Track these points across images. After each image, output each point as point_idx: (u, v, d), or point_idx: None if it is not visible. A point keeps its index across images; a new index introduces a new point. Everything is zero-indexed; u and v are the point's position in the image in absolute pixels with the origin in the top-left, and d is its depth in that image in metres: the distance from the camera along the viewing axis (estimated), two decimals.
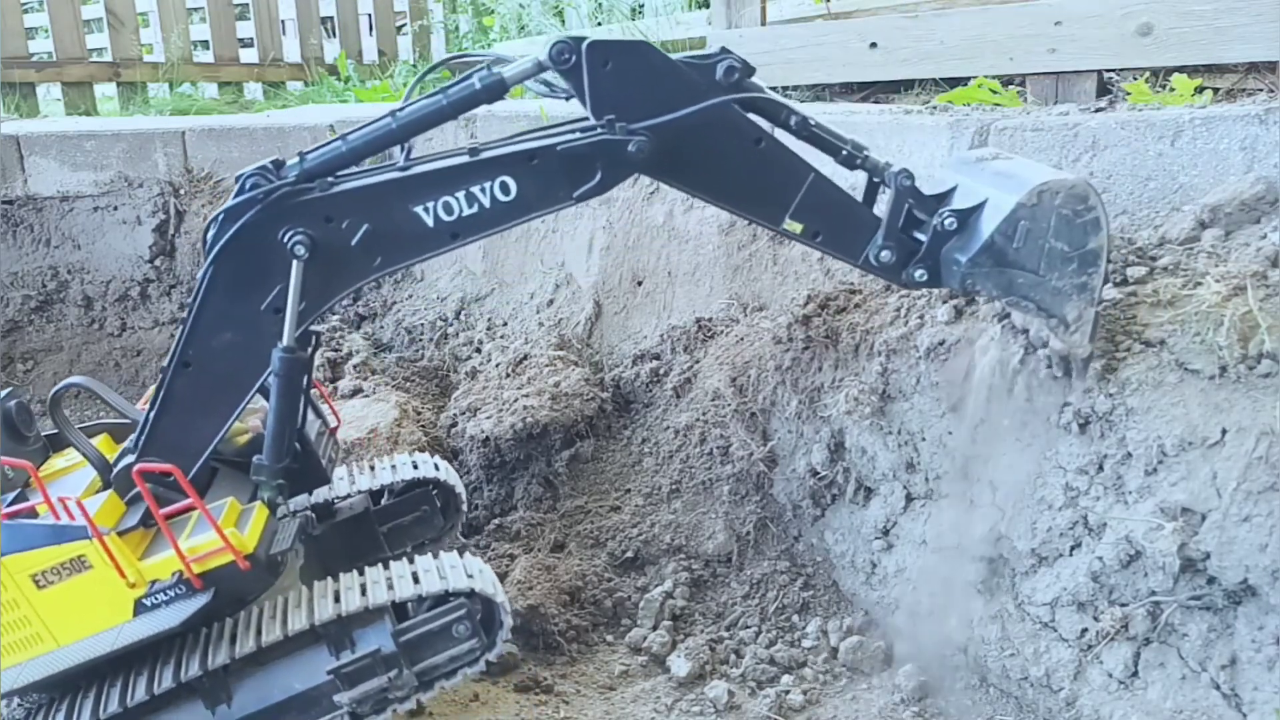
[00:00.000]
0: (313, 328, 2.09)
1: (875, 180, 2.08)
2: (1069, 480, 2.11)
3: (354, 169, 1.94)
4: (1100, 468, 2.05)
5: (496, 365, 3.69)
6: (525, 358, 3.62)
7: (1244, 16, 2.75)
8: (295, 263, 1.82)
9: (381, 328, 4.56)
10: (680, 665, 2.54)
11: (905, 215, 2.04)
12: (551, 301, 4.05)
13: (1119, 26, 3.03)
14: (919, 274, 2.05)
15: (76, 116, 6.03)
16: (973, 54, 3.46)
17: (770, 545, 2.95)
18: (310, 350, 2.08)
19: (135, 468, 1.90)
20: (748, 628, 2.72)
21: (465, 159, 1.87)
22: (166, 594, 1.90)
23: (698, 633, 2.71)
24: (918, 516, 2.54)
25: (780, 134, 2.03)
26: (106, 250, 4.87)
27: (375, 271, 1.92)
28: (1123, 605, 2.04)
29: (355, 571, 2.10)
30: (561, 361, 3.53)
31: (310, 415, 2.27)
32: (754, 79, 1.95)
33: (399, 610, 2.03)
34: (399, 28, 8.39)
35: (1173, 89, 2.80)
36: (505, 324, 4.18)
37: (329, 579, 2.08)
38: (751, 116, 1.98)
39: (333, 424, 2.45)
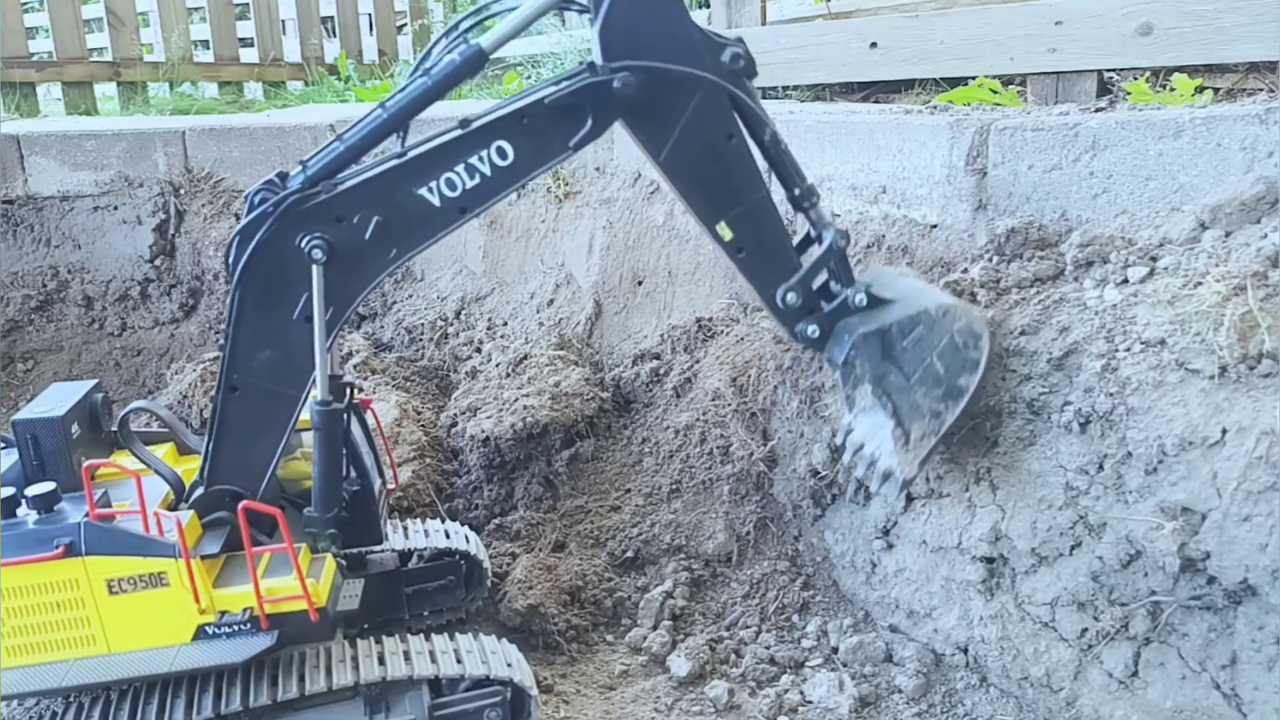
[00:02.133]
0: (346, 379, 2.13)
1: (813, 233, 2.16)
2: (1069, 480, 2.11)
3: (355, 166, 1.94)
4: (1100, 467, 2.05)
5: (497, 365, 3.69)
6: (525, 357, 3.62)
7: (1244, 16, 2.75)
8: (315, 268, 1.84)
9: (382, 327, 4.56)
10: (680, 665, 2.55)
11: (821, 279, 2.13)
12: (552, 301, 4.05)
13: (1119, 26, 3.03)
14: (810, 329, 2.15)
15: (77, 116, 6.03)
16: (973, 54, 3.46)
17: (770, 545, 2.95)
18: (346, 401, 2.09)
19: (242, 504, 1.91)
20: (748, 628, 2.72)
21: (459, 132, 1.87)
22: (231, 627, 1.92)
23: (698, 633, 2.71)
24: (918, 516, 2.54)
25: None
26: (106, 250, 4.87)
27: (393, 262, 1.93)
28: (1123, 605, 2.04)
29: (398, 638, 2.15)
30: (562, 361, 3.53)
31: (374, 472, 2.29)
32: (751, 82, 1.99)
33: (432, 682, 2.09)
34: (399, 27, 8.38)
35: (1173, 89, 2.80)
36: (505, 324, 4.18)
37: (372, 640, 2.13)
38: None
39: (390, 485, 2.46)
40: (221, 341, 1.95)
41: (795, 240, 2.19)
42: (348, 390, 2.11)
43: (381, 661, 2.06)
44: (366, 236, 1.87)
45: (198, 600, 1.89)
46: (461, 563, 2.72)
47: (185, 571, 1.86)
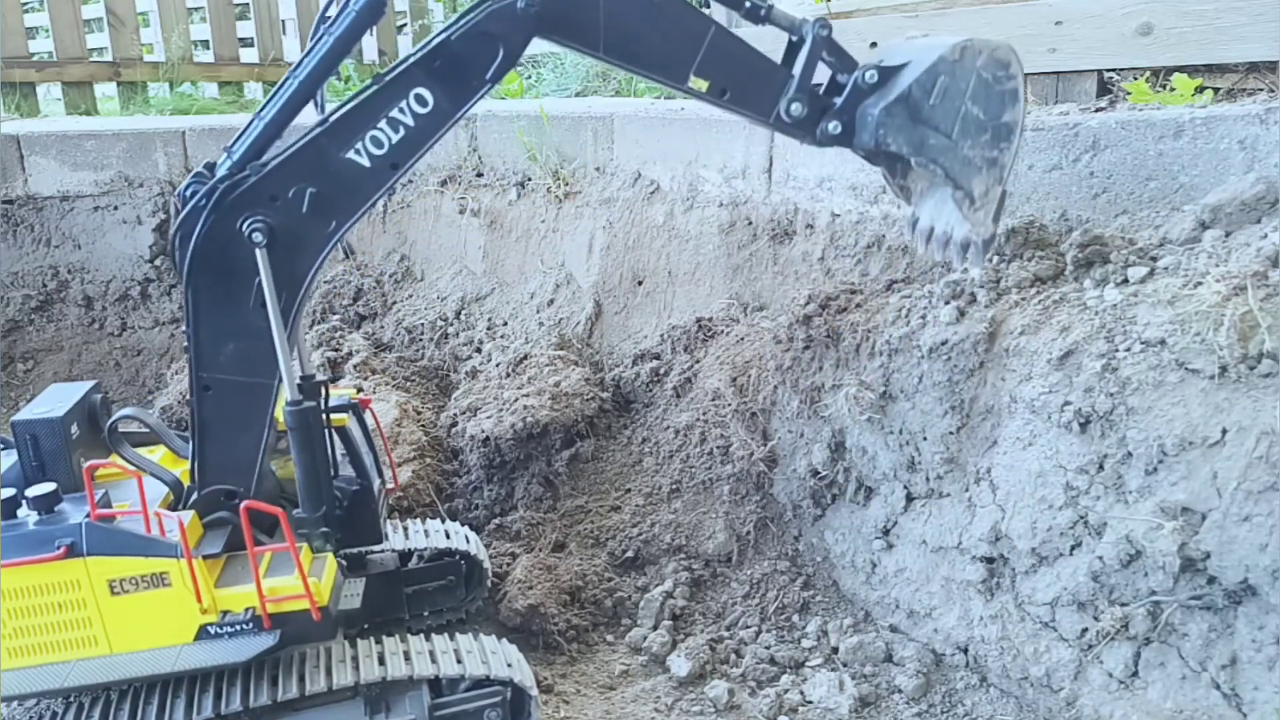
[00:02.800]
0: (320, 377, 2.10)
1: (792, 38, 2.04)
2: (1069, 480, 2.11)
3: (279, 143, 1.91)
4: (1101, 467, 2.05)
5: (497, 365, 3.69)
6: (525, 357, 3.62)
7: (1244, 16, 2.75)
8: (258, 251, 1.81)
9: (382, 327, 4.56)
10: (680, 665, 2.54)
11: (828, 81, 2.02)
12: (552, 301, 4.05)
13: (1119, 26, 3.03)
14: (832, 126, 2.01)
15: (77, 116, 6.03)
16: None
17: (770, 545, 2.95)
18: (323, 398, 2.06)
19: (244, 504, 1.90)
20: (748, 627, 2.72)
21: (374, 88, 1.84)
22: (234, 627, 1.92)
23: (698, 632, 2.71)
24: (918, 516, 2.54)
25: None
26: (107, 250, 4.87)
27: (335, 234, 1.90)
28: (1123, 605, 2.04)
29: (398, 638, 2.15)
30: (562, 361, 3.53)
31: (373, 472, 2.28)
32: None
33: (432, 682, 2.09)
34: (399, 27, 8.38)
35: (1173, 89, 2.80)
36: (505, 324, 4.18)
37: (372, 640, 2.13)
38: None
39: (390, 485, 2.46)
40: (185, 345, 1.92)
41: (780, 59, 2.08)
42: (322, 389, 2.07)
43: (382, 661, 2.06)
44: (304, 210, 1.85)
45: (200, 600, 1.88)
46: (461, 563, 2.72)
47: (187, 571, 1.86)
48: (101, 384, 2.24)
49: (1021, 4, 3.34)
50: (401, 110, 1.84)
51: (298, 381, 1.96)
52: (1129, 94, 2.93)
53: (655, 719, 2.42)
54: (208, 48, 7.30)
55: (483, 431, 3.21)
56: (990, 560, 2.33)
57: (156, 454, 2.22)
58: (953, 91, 1.90)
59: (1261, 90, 2.81)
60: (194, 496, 2.02)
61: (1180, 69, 2.89)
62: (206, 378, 1.92)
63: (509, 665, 2.12)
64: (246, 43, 7.52)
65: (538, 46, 1.99)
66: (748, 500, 2.97)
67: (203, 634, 1.91)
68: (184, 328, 1.92)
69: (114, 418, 2.13)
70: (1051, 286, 2.31)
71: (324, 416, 2.02)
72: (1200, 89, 2.75)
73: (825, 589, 2.83)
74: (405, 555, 2.69)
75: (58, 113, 6.26)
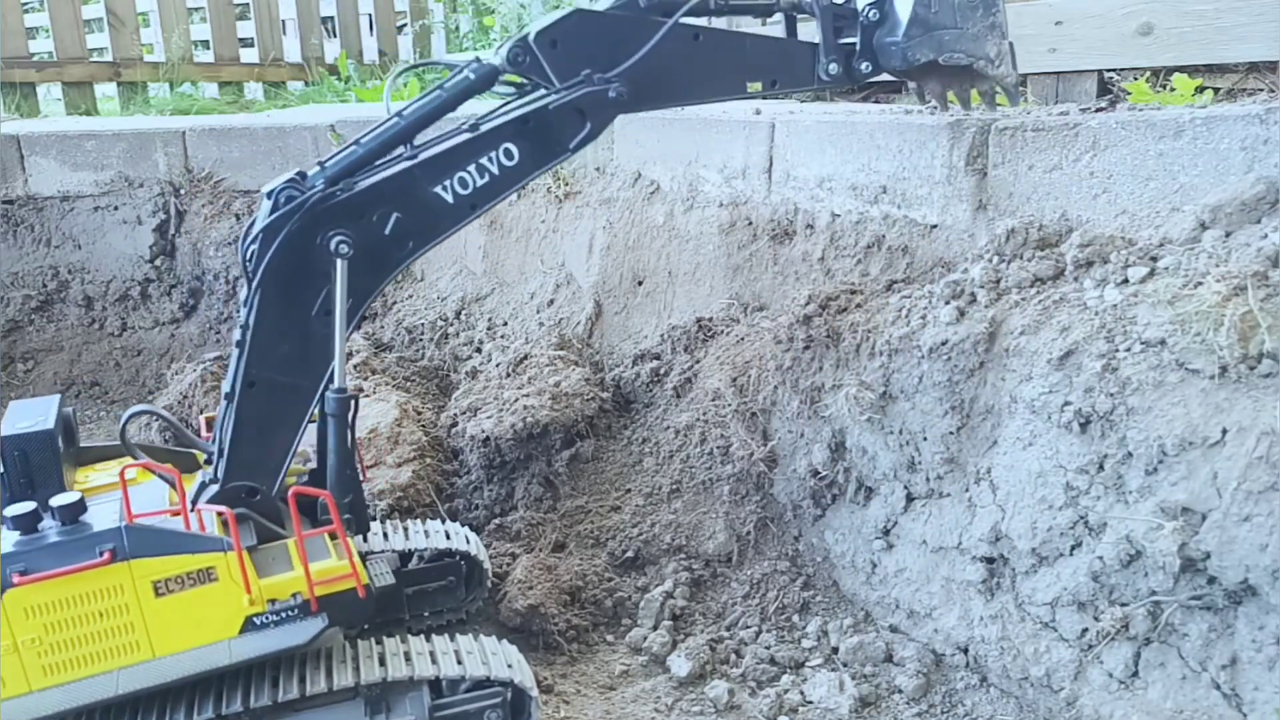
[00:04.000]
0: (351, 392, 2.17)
1: (793, 15, 2.44)
2: (1069, 480, 2.11)
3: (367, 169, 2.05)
4: (1101, 467, 2.05)
5: (497, 365, 3.69)
6: (525, 357, 3.62)
7: (1244, 16, 2.75)
8: (340, 262, 1.92)
9: (382, 328, 4.56)
10: (680, 665, 2.54)
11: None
12: (552, 301, 4.06)
13: (1119, 26, 3.03)
14: (864, 66, 2.39)
15: (77, 116, 6.03)
16: None
17: (770, 545, 2.94)
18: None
19: (291, 490, 1.96)
20: (748, 628, 2.72)
21: (469, 135, 2.03)
22: (281, 614, 1.92)
23: (698, 633, 2.71)
24: (918, 516, 2.54)
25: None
26: (107, 250, 4.87)
27: (409, 256, 2.06)
28: (1123, 605, 2.04)
29: (398, 639, 2.15)
30: (562, 361, 3.53)
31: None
32: None
33: (432, 683, 2.09)
34: (400, 27, 8.39)
35: (1173, 89, 2.80)
36: (505, 324, 4.18)
37: (372, 641, 2.12)
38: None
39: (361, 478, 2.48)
40: (238, 338, 1.97)
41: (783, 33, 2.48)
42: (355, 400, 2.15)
43: (382, 662, 2.05)
44: (386, 232, 1.99)
45: (249, 591, 1.88)
46: (462, 563, 2.72)
47: (234, 564, 1.86)
48: (67, 399, 2.22)
49: (1022, 4, 3.34)
50: (490, 159, 2.05)
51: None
52: (1129, 94, 2.93)
53: (655, 719, 2.42)
54: (208, 48, 7.31)
55: (483, 431, 3.21)
56: (990, 560, 2.33)
57: (115, 468, 2.18)
58: None
59: (1262, 90, 2.81)
60: (209, 491, 2.03)
61: (1180, 69, 2.89)
62: (255, 374, 1.99)
63: (509, 666, 2.12)
64: (247, 43, 7.52)
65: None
66: (748, 500, 2.97)
67: (249, 626, 1.90)
68: (239, 323, 1.98)
69: (127, 414, 2.13)
70: (1051, 286, 2.31)
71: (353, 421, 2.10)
72: (1200, 89, 2.75)
73: (825, 589, 2.83)
74: (405, 556, 2.69)
75: (58, 113, 6.26)
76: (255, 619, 1.91)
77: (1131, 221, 2.34)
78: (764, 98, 2.45)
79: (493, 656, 2.13)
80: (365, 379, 3.85)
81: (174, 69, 6.77)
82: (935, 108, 2.68)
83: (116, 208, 4.84)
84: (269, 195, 1.94)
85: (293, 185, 1.94)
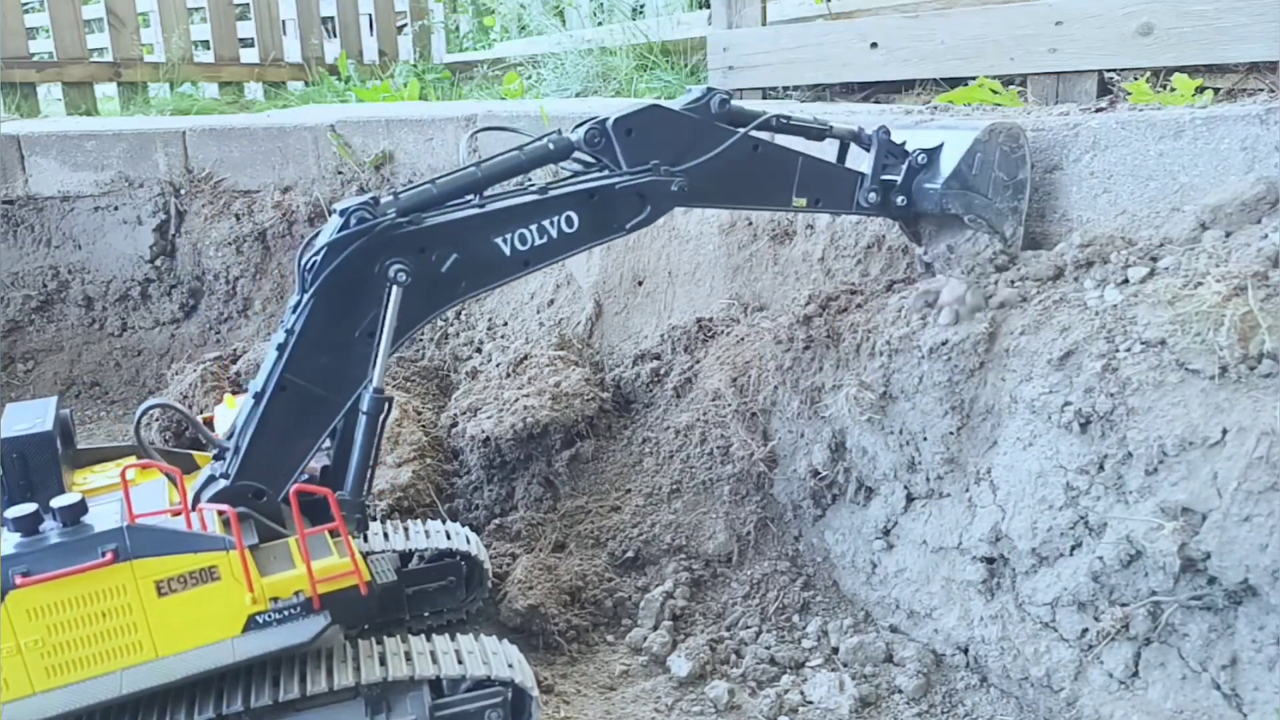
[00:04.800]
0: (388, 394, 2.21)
1: (846, 144, 2.56)
2: (1069, 480, 2.11)
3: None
4: (1101, 467, 2.05)
5: (497, 365, 3.69)
6: (526, 358, 3.62)
7: (1244, 16, 2.75)
8: (396, 289, 1.97)
9: None
10: (680, 665, 2.54)
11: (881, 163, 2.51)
12: (552, 301, 4.06)
13: (1120, 26, 3.04)
14: (900, 200, 2.51)
15: (77, 116, 6.03)
16: (973, 54, 3.47)
17: (770, 545, 2.94)
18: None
19: (293, 488, 1.99)
20: (748, 628, 2.72)
21: (536, 197, 2.14)
22: (283, 613, 1.92)
23: (698, 633, 2.71)
24: (919, 517, 2.54)
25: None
26: (107, 250, 4.87)
27: (460, 295, 2.14)
28: (1123, 605, 2.04)
29: (399, 638, 2.15)
30: (562, 361, 3.53)
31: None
32: (735, 101, 2.35)
33: (433, 683, 2.09)
34: (400, 27, 8.39)
35: (1173, 89, 2.80)
36: (506, 324, 4.18)
37: (373, 640, 2.12)
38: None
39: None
40: (280, 341, 2.02)
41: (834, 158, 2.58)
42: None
43: (383, 662, 2.05)
44: (443, 270, 2.07)
45: (252, 589, 1.88)
46: (462, 564, 2.72)
47: (238, 563, 1.86)
48: (64, 400, 2.23)
49: (1022, 4, 3.35)
50: (551, 223, 2.16)
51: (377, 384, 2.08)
52: (1129, 94, 2.93)
53: (655, 719, 2.42)
54: (208, 48, 7.31)
55: (483, 432, 3.21)
56: (990, 560, 2.33)
57: (112, 470, 2.18)
58: (986, 163, 2.44)
59: (1262, 90, 2.81)
60: (215, 486, 2.03)
61: (1180, 69, 2.90)
62: (289, 378, 2.02)
63: (510, 666, 2.12)
64: (247, 43, 7.53)
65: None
66: (748, 500, 2.97)
67: (251, 624, 1.90)
68: (283, 326, 2.03)
69: (144, 407, 2.14)
70: (1051, 286, 2.31)
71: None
72: (1200, 89, 2.75)
73: (825, 589, 2.84)
74: (406, 556, 2.69)
75: (58, 113, 6.27)
76: (258, 617, 1.91)
77: (1131, 221, 2.35)
78: (807, 212, 2.69)
79: (493, 656, 2.13)
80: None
81: (174, 69, 6.78)
82: (936, 109, 2.70)
83: (117, 208, 4.84)
84: (340, 213, 2.00)
85: (365, 208, 2.00)
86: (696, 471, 3.05)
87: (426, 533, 2.71)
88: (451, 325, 4.35)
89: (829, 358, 2.71)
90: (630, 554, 2.99)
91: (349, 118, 4.77)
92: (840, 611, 2.75)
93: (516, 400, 3.27)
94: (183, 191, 4.84)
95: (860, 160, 2.52)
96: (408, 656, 2.07)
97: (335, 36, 8.02)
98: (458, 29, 8.86)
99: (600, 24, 6.52)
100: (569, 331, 3.85)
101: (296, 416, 2.05)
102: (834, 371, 2.69)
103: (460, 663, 2.09)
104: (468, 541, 2.73)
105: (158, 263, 4.87)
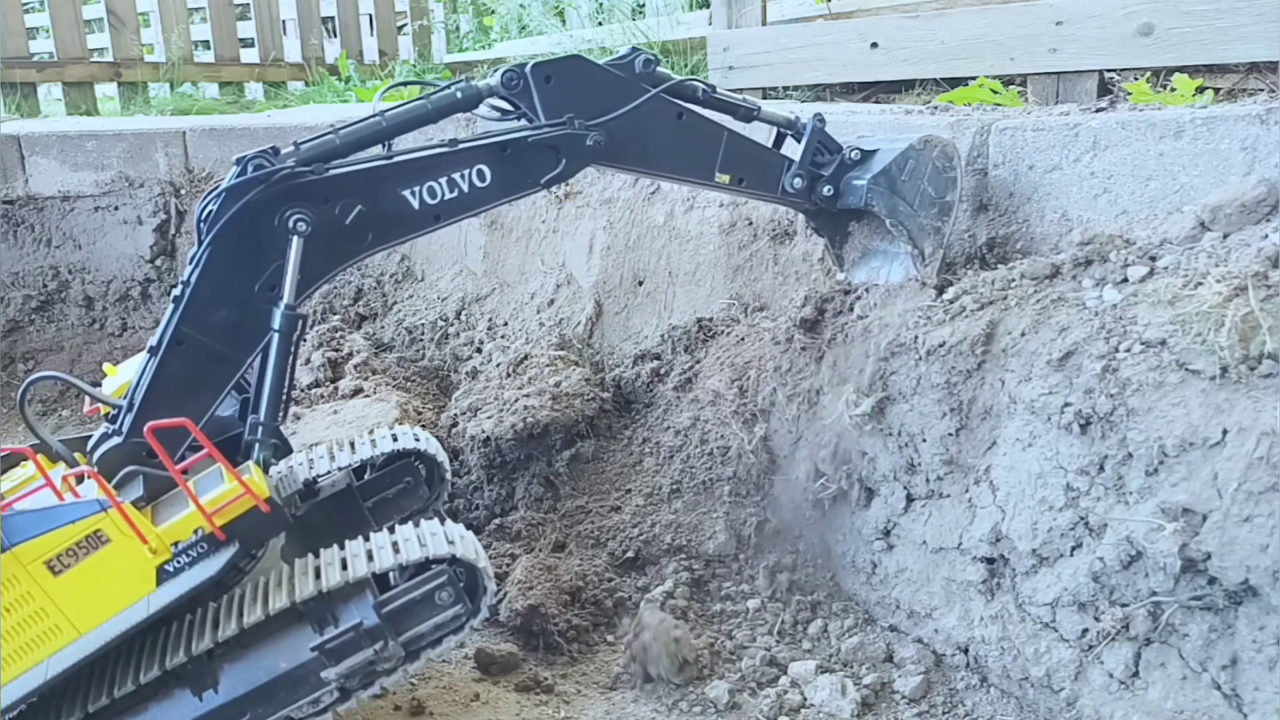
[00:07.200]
0: (302, 311, 2.14)
1: (783, 131, 2.54)
2: (1069, 480, 2.11)
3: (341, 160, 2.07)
4: (1101, 468, 2.05)
5: (497, 365, 3.69)
6: (526, 358, 3.62)
7: (1245, 16, 2.75)
8: (296, 239, 1.93)
9: (382, 328, 4.56)
10: None
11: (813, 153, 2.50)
12: (552, 301, 4.05)
13: (1120, 26, 3.03)
14: (826, 189, 2.50)
15: (77, 116, 6.03)
16: (973, 54, 3.46)
17: (770, 545, 2.94)
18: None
19: (147, 425, 1.87)
20: (748, 628, 2.71)
21: (446, 149, 2.08)
22: (190, 554, 1.87)
23: (698, 633, 2.70)
24: (918, 517, 2.54)
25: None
26: (107, 250, 4.87)
27: (364, 250, 2.08)
28: (1123, 605, 2.04)
29: (335, 546, 2.06)
30: (562, 361, 3.53)
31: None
32: (661, 68, 2.31)
33: (381, 582, 2.00)
34: (400, 28, 8.38)
35: (1174, 89, 2.80)
36: (506, 324, 4.18)
37: (310, 555, 2.05)
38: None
39: None
40: (177, 293, 1.94)
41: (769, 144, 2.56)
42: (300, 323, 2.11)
43: (318, 575, 1.96)
44: (346, 222, 2.00)
45: (144, 540, 1.81)
46: (417, 463, 2.66)
47: (119, 520, 1.80)
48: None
49: (1022, 4, 3.34)
50: (462, 176, 2.10)
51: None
52: (1129, 94, 2.93)
53: (655, 719, 2.42)
54: (208, 48, 7.31)
55: (483, 432, 3.21)
56: (990, 561, 2.33)
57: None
58: (917, 172, 2.43)
59: (1262, 90, 2.81)
60: (110, 443, 1.98)
61: (1181, 69, 2.89)
62: (185, 331, 1.97)
63: (450, 543, 2.00)
64: (247, 43, 7.52)
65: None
66: (748, 500, 2.97)
67: (162, 575, 1.86)
68: (181, 279, 1.96)
69: (29, 381, 2.09)
70: (1051, 286, 2.31)
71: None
72: (1201, 89, 2.75)
73: (826, 589, 2.83)
74: (358, 471, 2.64)
75: (58, 113, 6.27)
76: (166, 567, 1.86)
77: (1131, 221, 2.34)
78: (729, 192, 2.58)
79: (431, 537, 2.02)
80: (365, 379, 3.85)
81: (174, 69, 6.78)
82: (936, 108, 2.71)
83: (117, 208, 4.84)
84: (237, 161, 1.95)
85: (264, 156, 1.95)
86: (697, 471, 3.05)
87: (373, 441, 2.65)
88: (452, 325, 4.35)
89: (828, 359, 2.71)
90: (630, 554, 2.99)
91: (349, 118, 4.75)
92: (840, 612, 2.75)
93: (517, 400, 3.27)
94: (183, 191, 4.84)
95: (795, 152, 2.50)
96: (343, 563, 1.99)
97: (335, 36, 8.02)
98: (458, 29, 8.87)
99: (600, 24, 6.52)
100: (569, 331, 3.85)
101: (193, 371, 1.99)
102: (831, 373, 2.69)
103: (396, 552, 1.99)
104: (416, 440, 2.66)
105: (158, 263, 4.87)
